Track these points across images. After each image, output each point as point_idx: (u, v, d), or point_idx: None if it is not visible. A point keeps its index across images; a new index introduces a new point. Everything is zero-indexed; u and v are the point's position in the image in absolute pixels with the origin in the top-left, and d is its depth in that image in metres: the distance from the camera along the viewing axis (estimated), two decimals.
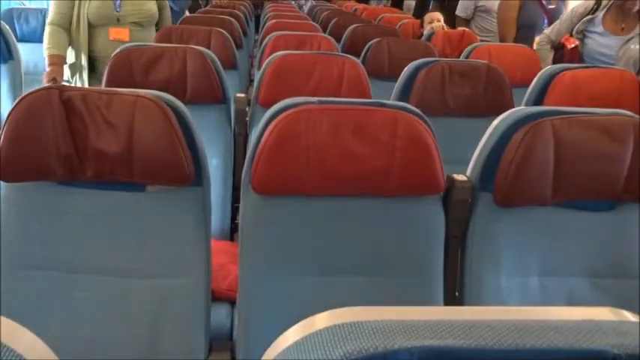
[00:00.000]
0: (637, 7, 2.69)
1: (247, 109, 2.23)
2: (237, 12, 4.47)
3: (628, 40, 2.69)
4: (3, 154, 1.20)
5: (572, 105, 1.48)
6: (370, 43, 2.91)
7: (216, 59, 2.08)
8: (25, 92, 1.23)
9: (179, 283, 1.28)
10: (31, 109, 1.20)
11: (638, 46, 2.65)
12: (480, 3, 4.22)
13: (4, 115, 1.24)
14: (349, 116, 1.28)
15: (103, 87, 1.95)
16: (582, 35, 2.83)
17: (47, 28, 2.69)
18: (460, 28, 3.97)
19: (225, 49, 2.80)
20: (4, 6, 3.66)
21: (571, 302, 1.34)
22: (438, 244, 1.34)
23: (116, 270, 1.28)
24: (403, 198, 1.32)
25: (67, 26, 2.68)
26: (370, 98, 1.98)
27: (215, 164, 2.00)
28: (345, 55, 2.25)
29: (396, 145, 1.27)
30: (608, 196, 1.33)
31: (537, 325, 0.41)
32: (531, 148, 1.27)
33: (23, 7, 3.84)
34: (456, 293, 1.39)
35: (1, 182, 1.27)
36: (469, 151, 1.40)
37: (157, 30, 2.96)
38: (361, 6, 6.75)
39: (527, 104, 2.11)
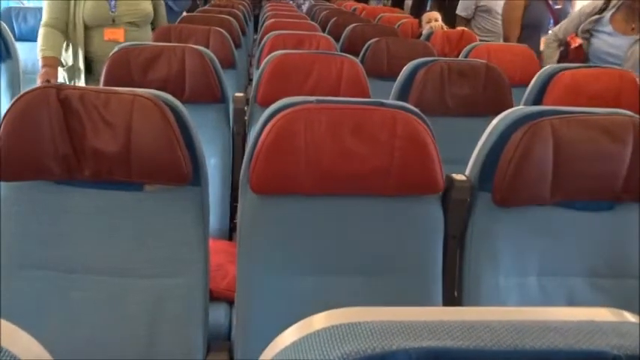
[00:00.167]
0: None
1: (246, 108, 2.22)
2: (235, 11, 4.47)
3: (637, 41, 2.68)
4: (1, 153, 1.19)
5: (571, 104, 1.48)
6: (369, 42, 2.91)
7: (214, 58, 2.08)
8: (23, 91, 1.23)
9: (177, 283, 1.28)
10: (28, 108, 1.20)
11: None
12: (482, 2, 4.21)
13: (2, 114, 1.24)
14: (348, 116, 1.28)
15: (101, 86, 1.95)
16: (589, 34, 2.82)
17: (41, 30, 2.65)
18: (459, 28, 3.97)
19: (224, 49, 2.79)
20: (3, 5, 3.65)
21: (570, 302, 1.34)
22: (436, 243, 1.34)
23: (114, 270, 1.28)
24: (402, 198, 1.32)
25: (61, 27, 2.65)
26: (369, 98, 1.98)
27: (213, 164, 2.00)
28: (344, 54, 2.25)
29: (394, 144, 1.26)
30: (608, 195, 1.33)
31: (537, 325, 0.41)
32: (530, 148, 1.27)
33: (22, 6, 3.84)
34: (455, 293, 1.38)
35: (1, 182, 1.26)
36: (468, 151, 1.40)
37: (152, 29, 2.94)
38: (360, 5, 6.75)
39: (526, 104, 2.11)
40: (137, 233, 1.28)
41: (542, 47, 3.60)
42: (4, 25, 2.57)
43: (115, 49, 2.03)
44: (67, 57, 2.71)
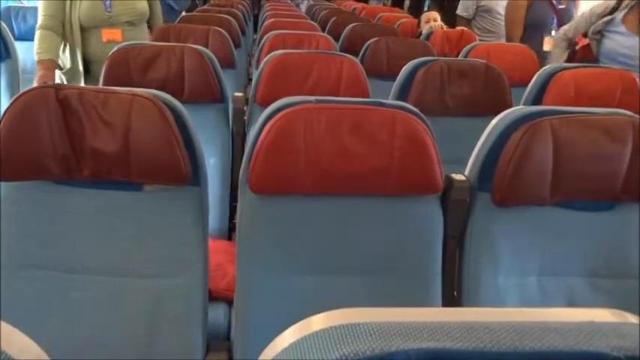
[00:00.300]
0: None
1: (245, 108, 2.22)
2: (235, 11, 4.47)
3: None
4: (0, 152, 1.19)
5: (571, 104, 1.48)
6: (369, 42, 2.91)
7: (214, 58, 2.07)
8: (22, 91, 1.23)
9: (176, 283, 1.28)
10: (27, 108, 1.20)
11: None
12: (482, 3, 4.21)
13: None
14: (347, 115, 1.27)
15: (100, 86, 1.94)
16: (599, 35, 2.80)
17: (37, 33, 2.60)
18: (459, 28, 3.97)
19: (223, 48, 2.79)
20: (2, 4, 3.65)
21: (570, 302, 1.34)
22: (436, 243, 1.34)
23: (113, 270, 1.28)
24: (401, 198, 1.32)
25: (57, 30, 2.61)
26: (369, 97, 1.98)
27: (213, 163, 2.00)
28: (344, 54, 2.25)
29: (394, 144, 1.26)
30: (607, 195, 1.33)
31: (536, 326, 0.41)
32: (530, 148, 1.26)
33: (21, 5, 3.83)
34: (454, 293, 1.38)
35: (0, 182, 1.26)
36: (467, 151, 1.40)
37: (148, 27, 2.92)
38: (360, 5, 6.75)
39: (525, 104, 2.11)
40: (136, 233, 1.28)
41: (545, 47, 3.60)
42: (3, 24, 2.56)
43: (115, 48, 2.03)
44: (64, 59, 2.68)
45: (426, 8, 5.03)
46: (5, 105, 1.21)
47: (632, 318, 0.44)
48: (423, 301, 1.33)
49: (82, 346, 1.24)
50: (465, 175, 1.36)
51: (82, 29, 2.64)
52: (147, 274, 1.28)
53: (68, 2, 2.62)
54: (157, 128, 1.22)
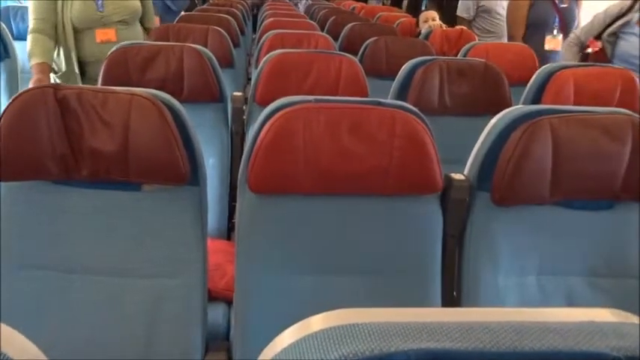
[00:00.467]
0: None
1: (244, 107, 2.22)
2: (234, 10, 4.47)
3: None
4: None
5: (570, 103, 1.48)
6: (368, 41, 2.91)
7: (213, 57, 2.07)
8: (21, 90, 1.23)
9: (175, 283, 1.27)
10: (25, 108, 1.20)
11: None
12: (481, 3, 4.20)
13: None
14: (346, 115, 1.27)
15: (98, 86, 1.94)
16: (614, 37, 2.77)
17: (30, 37, 2.54)
18: (458, 27, 3.96)
19: (223, 48, 2.79)
20: (1, 4, 3.65)
21: (569, 302, 1.34)
22: (435, 243, 1.34)
23: (112, 270, 1.27)
24: (401, 197, 1.32)
25: (50, 32, 2.55)
26: (368, 97, 1.98)
27: (212, 163, 2.00)
28: (343, 53, 2.25)
29: (393, 144, 1.26)
30: (607, 195, 1.33)
31: (536, 326, 0.40)
32: (529, 147, 1.26)
33: (20, 5, 3.83)
34: (454, 292, 1.38)
35: (0, 182, 1.26)
36: (467, 150, 1.39)
37: (141, 25, 2.90)
38: (359, 4, 6.75)
39: (525, 103, 2.11)
40: (135, 233, 1.28)
41: (546, 46, 3.59)
42: (2, 24, 2.56)
43: (113, 48, 2.03)
44: (59, 62, 2.64)
45: (423, 7, 5.03)
46: (4, 105, 1.21)
47: (632, 318, 0.44)
48: (422, 301, 1.33)
49: (81, 346, 1.24)
50: (464, 175, 1.36)
51: (75, 30, 2.59)
52: (146, 274, 1.27)
53: (60, 3, 2.57)
54: (156, 128, 1.22)
